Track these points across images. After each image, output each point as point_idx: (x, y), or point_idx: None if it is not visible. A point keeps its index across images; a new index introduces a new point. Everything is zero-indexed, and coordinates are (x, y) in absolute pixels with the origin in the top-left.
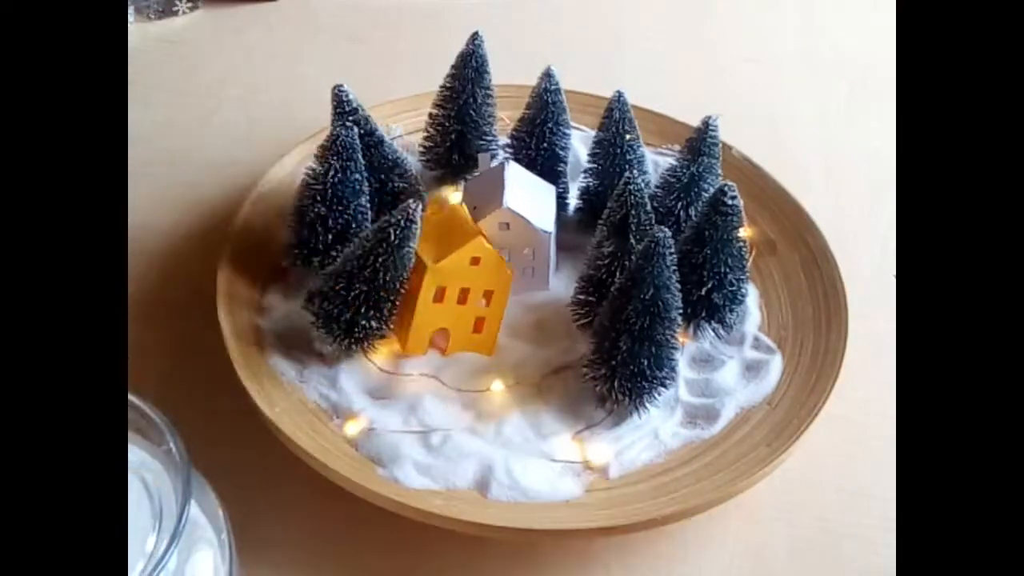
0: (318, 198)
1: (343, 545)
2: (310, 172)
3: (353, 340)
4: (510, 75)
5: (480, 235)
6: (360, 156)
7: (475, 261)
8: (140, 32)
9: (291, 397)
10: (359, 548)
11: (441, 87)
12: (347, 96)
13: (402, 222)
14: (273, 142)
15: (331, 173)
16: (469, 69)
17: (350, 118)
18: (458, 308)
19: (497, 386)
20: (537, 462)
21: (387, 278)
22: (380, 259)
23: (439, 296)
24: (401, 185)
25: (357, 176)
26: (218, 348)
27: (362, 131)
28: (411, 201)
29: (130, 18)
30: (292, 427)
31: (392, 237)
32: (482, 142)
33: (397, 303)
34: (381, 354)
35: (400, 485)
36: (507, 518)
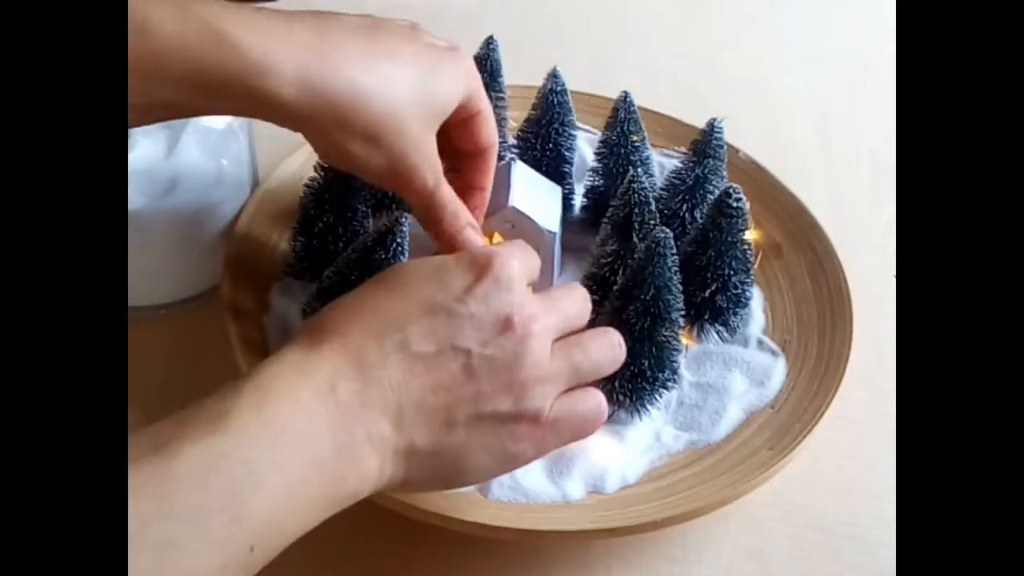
0: (326, 207)
1: (343, 544)
2: (314, 181)
3: None
4: (515, 76)
5: None
6: None
7: None
8: None
9: None
10: (358, 547)
11: None
12: None
13: (389, 243)
14: (274, 142)
15: (337, 180)
16: (484, 73)
17: None
18: None
19: None
20: (538, 462)
21: None
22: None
23: None
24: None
25: (360, 181)
26: (221, 345)
27: None
28: (398, 212)
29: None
30: None
31: (381, 257)
32: None
33: None
34: None
35: None
36: (507, 518)
